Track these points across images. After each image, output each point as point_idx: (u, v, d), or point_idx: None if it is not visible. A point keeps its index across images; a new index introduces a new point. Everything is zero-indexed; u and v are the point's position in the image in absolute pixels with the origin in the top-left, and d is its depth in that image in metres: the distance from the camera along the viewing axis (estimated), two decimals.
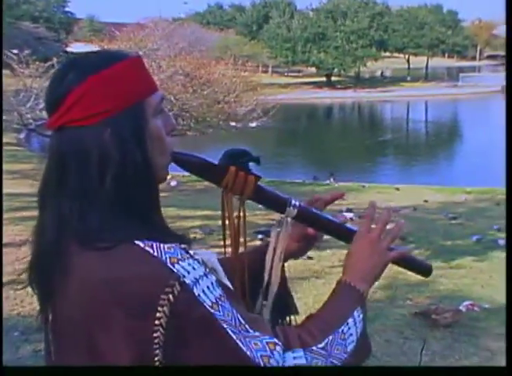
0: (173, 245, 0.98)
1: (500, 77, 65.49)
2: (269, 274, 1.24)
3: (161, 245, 0.97)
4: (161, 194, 1.13)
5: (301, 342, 1.04)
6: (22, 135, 22.83)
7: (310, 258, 7.47)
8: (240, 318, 0.98)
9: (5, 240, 6.06)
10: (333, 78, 65.03)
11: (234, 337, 0.96)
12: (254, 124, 18.35)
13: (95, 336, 0.97)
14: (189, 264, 0.97)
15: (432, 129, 40.25)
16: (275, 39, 62.71)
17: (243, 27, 70.84)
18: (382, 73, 74.70)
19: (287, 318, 1.30)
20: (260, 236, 6.93)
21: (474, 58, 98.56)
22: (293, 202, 1.22)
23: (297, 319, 1.26)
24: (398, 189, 17.90)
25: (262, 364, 0.97)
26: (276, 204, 1.23)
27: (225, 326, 0.96)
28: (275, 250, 1.25)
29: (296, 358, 1.02)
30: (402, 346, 4.82)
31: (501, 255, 8.54)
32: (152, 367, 0.97)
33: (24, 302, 5.01)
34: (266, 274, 1.24)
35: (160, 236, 1.00)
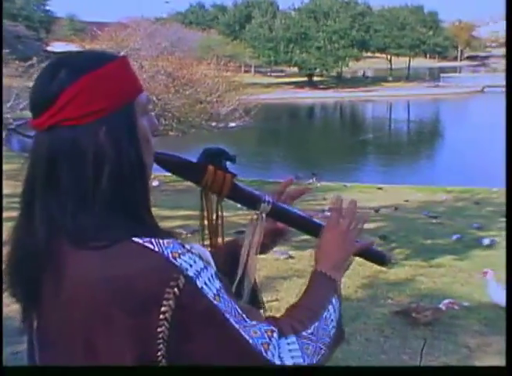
0: (171, 240, 0.99)
1: (480, 78, 66.24)
2: (244, 268, 1.26)
3: (160, 241, 0.98)
4: None
5: (293, 329, 1.07)
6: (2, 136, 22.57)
7: (291, 257, 7.51)
8: (238, 308, 1.01)
9: None
10: (315, 78, 65.22)
11: (236, 326, 0.99)
12: (235, 124, 18.36)
13: (93, 335, 0.96)
14: (190, 258, 0.98)
15: (414, 129, 40.50)
16: (258, 39, 62.75)
17: (225, 26, 70.75)
18: (364, 73, 75.02)
19: None
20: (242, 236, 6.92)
21: (455, 58, 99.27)
22: (266, 198, 1.26)
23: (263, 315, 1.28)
24: (380, 188, 18.01)
25: (263, 351, 1.00)
26: (251, 200, 1.26)
27: (228, 316, 0.98)
28: (250, 244, 1.27)
29: (289, 344, 1.05)
30: (382, 345, 4.86)
31: (481, 254, 8.65)
32: (152, 367, 0.97)
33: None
34: (240, 268, 1.25)
35: (154, 233, 1.00)
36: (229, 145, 19.18)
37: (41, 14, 57.20)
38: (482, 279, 5.87)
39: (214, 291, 0.98)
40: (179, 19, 71.43)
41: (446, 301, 5.40)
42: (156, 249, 0.97)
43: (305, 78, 64.45)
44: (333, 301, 1.18)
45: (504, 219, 12.20)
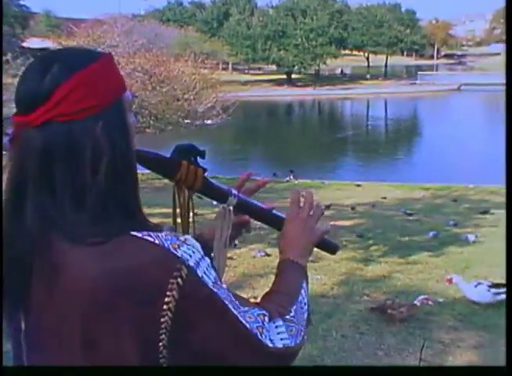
0: (168, 233, 1.00)
1: (456, 76, 66.94)
2: (218, 260, 1.30)
3: (158, 234, 0.99)
4: None
5: (278, 313, 1.13)
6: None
7: (268, 255, 7.51)
8: (231, 295, 1.04)
9: None
10: (293, 76, 65.36)
11: (235, 312, 1.02)
12: (213, 122, 18.34)
13: (93, 331, 0.96)
14: (188, 248, 0.99)
15: (391, 126, 40.82)
16: (236, 36, 62.73)
17: (202, 24, 70.62)
18: (342, 71, 75.40)
19: None
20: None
21: (432, 57, 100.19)
22: (233, 192, 1.32)
23: None
24: (359, 185, 18.12)
25: (258, 334, 1.05)
26: (220, 194, 1.32)
27: (227, 303, 1.02)
28: (221, 237, 1.32)
29: (278, 327, 1.11)
30: (358, 341, 4.88)
31: (457, 250, 8.74)
32: (152, 367, 0.98)
33: None
34: (215, 262, 1.27)
35: (148, 227, 1.01)
36: (207, 142, 19.16)
37: (15, 9, 56.45)
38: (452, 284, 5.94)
39: (213, 280, 1.01)
40: (157, 16, 71.09)
41: (421, 297, 5.45)
42: (157, 242, 0.98)
43: (283, 76, 64.57)
44: (304, 285, 1.25)
45: (480, 216, 12.36)
